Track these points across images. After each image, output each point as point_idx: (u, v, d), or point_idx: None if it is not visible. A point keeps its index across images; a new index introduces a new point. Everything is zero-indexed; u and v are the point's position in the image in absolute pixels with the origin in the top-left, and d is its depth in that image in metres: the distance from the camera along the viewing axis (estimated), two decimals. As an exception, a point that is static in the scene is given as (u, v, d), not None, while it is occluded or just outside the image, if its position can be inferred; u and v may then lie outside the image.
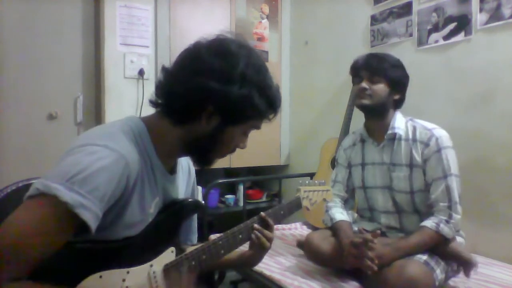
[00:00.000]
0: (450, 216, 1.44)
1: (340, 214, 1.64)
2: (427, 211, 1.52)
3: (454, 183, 1.47)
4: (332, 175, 1.83)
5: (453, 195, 1.46)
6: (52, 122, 2.45)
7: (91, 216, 0.76)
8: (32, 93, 2.39)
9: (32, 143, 2.38)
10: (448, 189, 1.46)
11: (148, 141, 0.91)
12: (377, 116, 1.62)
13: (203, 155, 0.96)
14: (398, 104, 1.63)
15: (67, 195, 0.74)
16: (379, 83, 1.57)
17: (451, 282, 1.50)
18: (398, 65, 1.61)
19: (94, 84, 2.58)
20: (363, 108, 1.61)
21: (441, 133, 1.52)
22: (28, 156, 2.32)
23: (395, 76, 1.58)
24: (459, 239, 1.53)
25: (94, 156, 0.78)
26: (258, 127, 0.96)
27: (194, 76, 0.85)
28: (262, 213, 1.09)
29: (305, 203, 1.23)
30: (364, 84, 1.58)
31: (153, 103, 0.93)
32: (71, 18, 2.50)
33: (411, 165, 1.54)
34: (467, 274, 1.43)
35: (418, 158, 1.52)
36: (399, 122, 1.59)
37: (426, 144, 1.51)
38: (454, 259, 1.45)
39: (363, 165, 1.69)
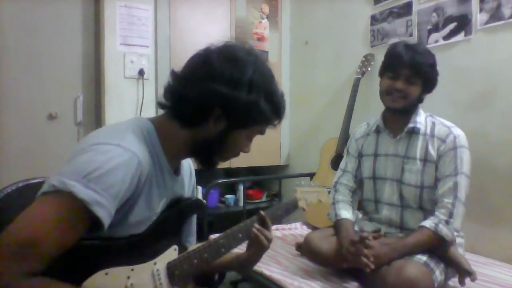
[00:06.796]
0: (450, 215, 1.43)
1: (345, 211, 1.65)
2: (432, 209, 1.51)
3: (463, 182, 1.47)
4: (341, 164, 1.82)
5: (460, 193, 1.45)
6: (52, 122, 2.45)
7: (105, 214, 0.78)
8: (32, 93, 2.39)
9: (32, 143, 2.37)
10: (455, 186, 1.46)
11: (156, 141, 0.93)
12: (404, 115, 1.58)
13: (207, 157, 0.98)
14: (422, 100, 1.59)
15: (83, 192, 0.75)
16: (416, 84, 1.51)
17: (450, 282, 1.50)
18: (434, 64, 1.54)
19: (94, 84, 2.58)
20: (393, 110, 1.57)
21: (459, 132, 1.52)
22: (28, 156, 2.32)
23: (431, 77, 1.52)
24: (458, 240, 1.53)
25: (108, 154, 0.80)
26: (262, 132, 0.99)
27: (205, 81, 0.88)
28: (262, 212, 1.10)
29: (301, 203, 1.28)
30: (401, 85, 1.51)
31: (161, 105, 0.95)
32: (71, 18, 2.50)
33: (425, 159, 1.53)
34: (461, 282, 1.42)
35: (433, 153, 1.51)
36: (421, 117, 1.57)
37: (443, 141, 1.51)
38: (454, 267, 1.44)
39: (375, 155, 1.67)
